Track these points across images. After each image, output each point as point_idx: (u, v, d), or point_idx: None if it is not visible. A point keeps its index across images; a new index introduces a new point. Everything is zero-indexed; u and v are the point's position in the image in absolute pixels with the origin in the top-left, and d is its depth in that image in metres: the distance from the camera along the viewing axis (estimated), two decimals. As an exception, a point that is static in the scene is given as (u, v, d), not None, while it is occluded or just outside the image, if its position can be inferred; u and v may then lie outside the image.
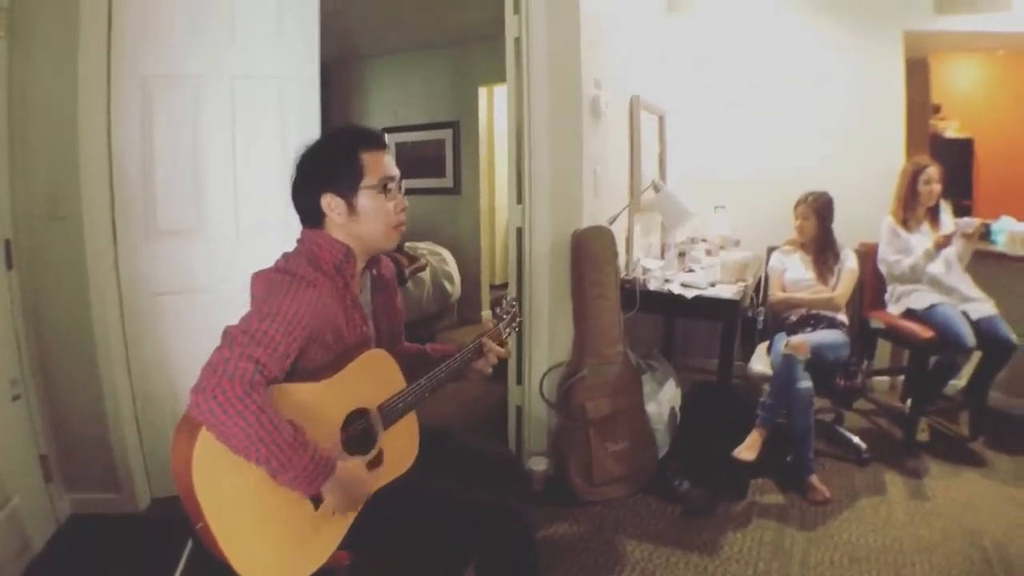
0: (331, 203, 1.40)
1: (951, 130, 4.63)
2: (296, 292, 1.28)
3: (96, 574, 2.22)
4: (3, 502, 2.12)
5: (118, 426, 2.46)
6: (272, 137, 2.50)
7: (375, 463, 1.40)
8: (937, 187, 3.03)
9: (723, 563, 2.19)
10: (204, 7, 2.40)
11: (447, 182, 5.45)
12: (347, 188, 1.40)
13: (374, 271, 1.58)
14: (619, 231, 2.90)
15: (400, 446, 1.47)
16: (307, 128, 2.48)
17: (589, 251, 2.65)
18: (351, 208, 1.40)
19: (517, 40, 2.62)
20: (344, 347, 1.39)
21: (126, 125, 2.37)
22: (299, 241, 1.44)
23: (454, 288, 5.10)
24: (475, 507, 1.43)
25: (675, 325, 3.94)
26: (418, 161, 5.47)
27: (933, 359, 2.94)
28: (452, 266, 5.14)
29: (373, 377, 1.42)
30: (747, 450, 2.58)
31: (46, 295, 2.36)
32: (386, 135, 4.98)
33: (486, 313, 5.49)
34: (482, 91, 5.38)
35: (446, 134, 5.37)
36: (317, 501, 1.28)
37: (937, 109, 4.56)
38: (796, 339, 2.64)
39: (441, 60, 5.41)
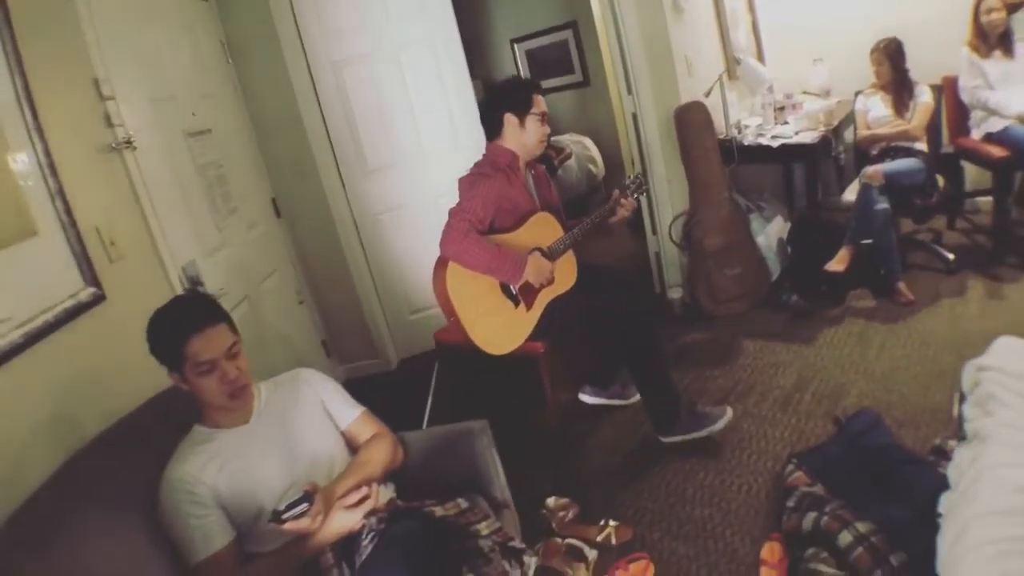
0: (510, 119, 2.25)
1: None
2: (483, 182, 2.17)
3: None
4: (301, 374, 3.16)
5: (369, 311, 3.49)
6: (434, 85, 3.27)
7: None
8: (998, 15, 3.06)
9: (816, 348, 2.83)
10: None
11: (577, 76, 5.83)
12: (522, 111, 2.25)
13: (533, 172, 2.42)
14: (717, 99, 3.43)
15: (564, 272, 2.34)
16: (457, 74, 3.23)
17: (688, 122, 3.26)
18: (522, 124, 2.25)
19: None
20: (521, 214, 2.25)
21: (330, 101, 3.23)
22: (484, 153, 2.32)
23: (598, 169, 5.67)
24: (610, 307, 2.24)
25: (794, 171, 4.16)
26: (548, 63, 5.89)
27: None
28: (594, 151, 5.68)
29: (541, 229, 2.29)
30: (836, 263, 3.10)
31: (305, 229, 3.34)
32: (516, 45, 5.55)
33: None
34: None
35: (567, 34, 5.69)
36: (516, 302, 2.19)
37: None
38: (870, 169, 3.08)
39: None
